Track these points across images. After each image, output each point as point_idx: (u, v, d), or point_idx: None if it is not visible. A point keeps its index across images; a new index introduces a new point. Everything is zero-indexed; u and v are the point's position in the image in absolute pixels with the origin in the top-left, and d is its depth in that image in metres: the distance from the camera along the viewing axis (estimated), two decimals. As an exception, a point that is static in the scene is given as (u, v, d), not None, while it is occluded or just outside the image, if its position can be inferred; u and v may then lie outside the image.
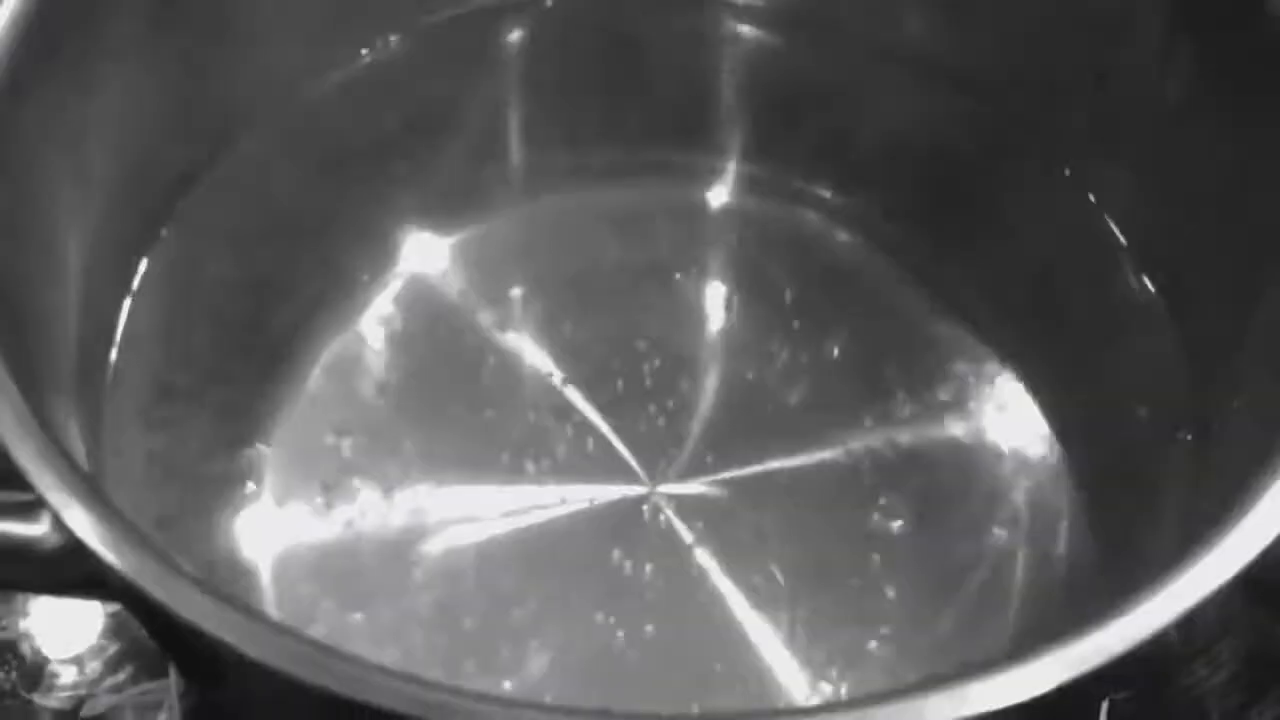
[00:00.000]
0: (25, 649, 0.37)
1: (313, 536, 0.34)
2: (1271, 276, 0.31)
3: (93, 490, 0.24)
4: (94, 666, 0.37)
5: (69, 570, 0.25)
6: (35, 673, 0.37)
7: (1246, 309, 0.32)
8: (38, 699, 0.36)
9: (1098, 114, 0.37)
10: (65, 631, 0.37)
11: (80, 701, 0.36)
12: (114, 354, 0.34)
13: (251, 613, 0.23)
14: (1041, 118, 0.38)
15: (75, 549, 0.23)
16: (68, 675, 0.37)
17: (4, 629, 0.37)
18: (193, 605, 0.22)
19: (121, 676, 0.37)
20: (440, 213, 0.38)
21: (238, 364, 0.35)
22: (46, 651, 0.37)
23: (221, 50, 0.36)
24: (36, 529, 0.25)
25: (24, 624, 0.37)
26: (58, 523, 0.24)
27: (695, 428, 0.36)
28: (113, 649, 0.37)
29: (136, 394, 0.34)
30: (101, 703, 0.36)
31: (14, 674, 0.37)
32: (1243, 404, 0.31)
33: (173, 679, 0.36)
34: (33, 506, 0.25)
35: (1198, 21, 0.34)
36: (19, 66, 0.30)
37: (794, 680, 0.32)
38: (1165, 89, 0.35)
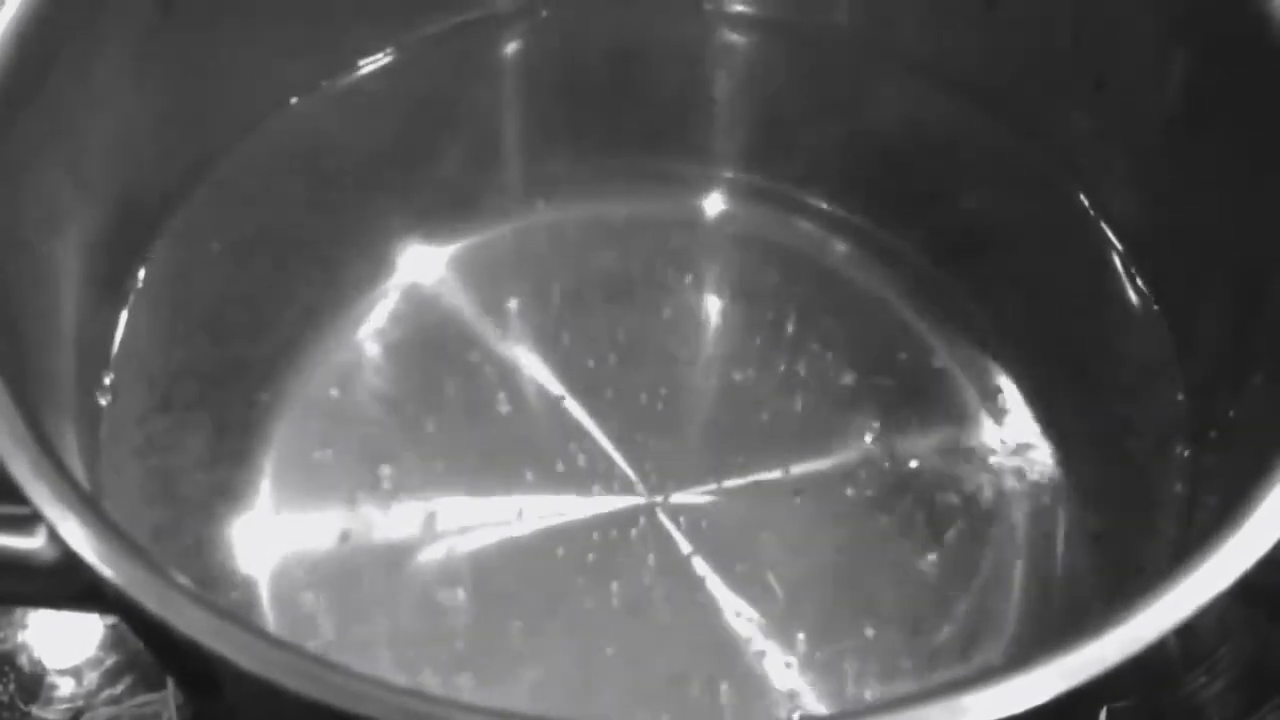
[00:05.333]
0: (23, 661, 0.37)
1: (310, 548, 0.34)
2: (1269, 284, 0.31)
3: (88, 503, 0.24)
4: (92, 678, 0.37)
5: (65, 583, 0.26)
6: (33, 685, 0.37)
7: (1243, 317, 0.32)
8: (36, 711, 0.36)
9: (1095, 119, 0.37)
10: (64, 643, 0.37)
11: (78, 713, 0.36)
12: (110, 366, 0.34)
13: (248, 626, 0.22)
14: (1039, 123, 0.38)
15: (71, 562, 0.23)
16: (66, 687, 0.37)
17: (2, 641, 0.37)
18: (189, 618, 0.22)
19: (119, 688, 0.37)
20: (437, 223, 0.38)
21: (235, 376, 0.35)
22: (45, 663, 0.37)
23: (218, 60, 0.36)
24: (33, 542, 0.25)
25: (22, 636, 0.37)
26: (53, 536, 0.24)
27: (693, 437, 0.36)
28: (111, 661, 0.37)
29: (133, 406, 0.34)
30: (100, 715, 0.36)
31: (12, 686, 0.37)
32: (1239, 413, 0.31)
33: (170, 691, 0.36)
34: (29, 520, 0.25)
35: (1194, 27, 0.34)
36: (18, 74, 0.30)
37: (792, 689, 0.32)
38: (1163, 95, 0.35)
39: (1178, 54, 0.35)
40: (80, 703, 0.36)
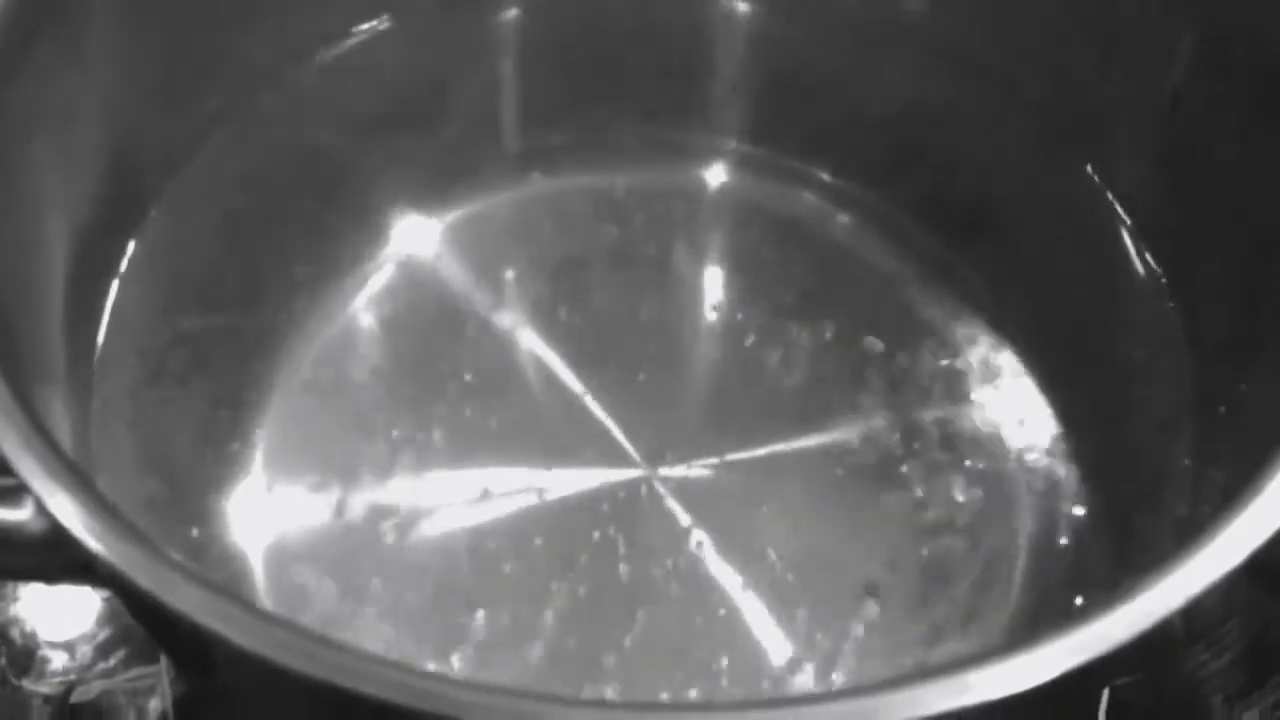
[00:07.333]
0: (15, 634, 0.37)
1: (305, 521, 0.33)
2: (1277, 258, 0.31)
3: (77, 476, 0.24)
4: (85, 652, 0.37)
5: (55, 557, 0.25)
6: (25, 658, 0.37)
7: (1251, 292, 0.32)
8: (28, 685, 0.36)
9: (1103, 94, 0.37)
10: (56, 616, 0.37)
11: (71, 687, 0.36)
12: (102, 337, 0.33)
13: (241, 601, 0.22)
14: (1044, 97, 0.38)
15: (60, 535, 0.23)
16: (58, 660, 0.37)
17: (-7, 614, 0.37)
18: (181, 594, 0.22)
19: (113, 662, 0.36)
20: (433, 194, 0.38)
21: (228, 347, 0.35)
22: (37, 636, 0.37)
23: (211, 29, 0.36)
24: (20, 514, 0.25)
25: (14, 609, 0.37)
26: (42, 509, 0.23)
27: (692, 410, 0.35)
28: (104, 634, 0.37)
29: (125, 378, 0.33)
30: (93, 688, 0.36)
31: (4, 659, 0.36)
32: (1247, 388, 0.31)
33: (164, 665, 0.36)
34: (17, 492, 0.25)
35: (1196, 12, 0.33)
36: (6, 45, 0.29)
37: (792, 663, 0.32)
38: (1169, 69, 0.35)
39: (1184, 28, 0.34)
40: (73, 676, 0.36)
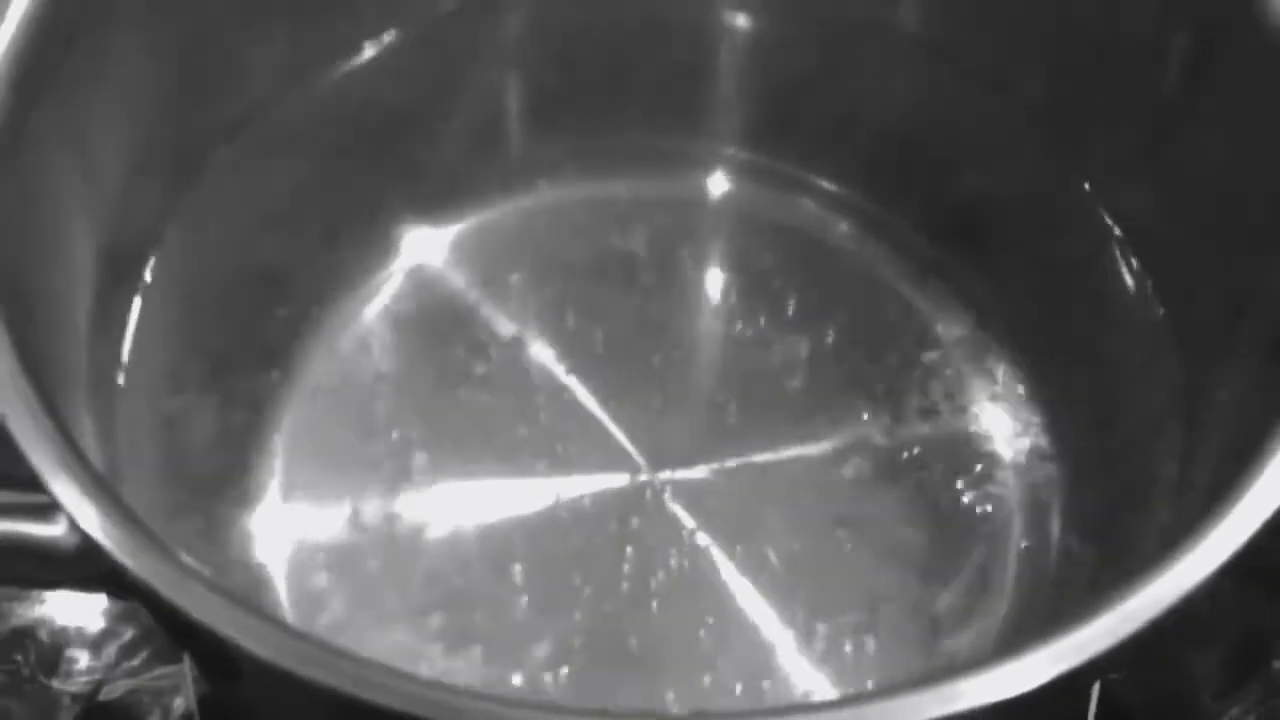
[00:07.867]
0: (42, 634, 0.38)
1: (321, 527, 0.34)
2: (1264, 267, 0.31)
3: (106, 492, 0.24)
4: (110, 652, 0.37)
5: (87, 570, 0.26)
6: (52, 658, 0.37)
7: (1239, 299, 0.32)
8: (55, 684, 0.37)
9: (1099, 94, 0.37)
10: (82, 617, 0.38)
11: (98, 686, 0.37)
12: (126, 350, 0.34)
13: (261, 613, 0.23)
14: (1041, 106, 0.38)
15: (91, 549, 0.24)
16: (84, 660, 0.37)
17: (21, 614, 0.38)
18: (204, 606, 0.23)
19: (137, 661, 0.37)
20: (440, 204, 0.39)
21: (246, 356, 0.36)
22: (63, 637, 0.38)
23: (224, 43, 0.36)
24: (54, 530, 0.26)
25: (41, 610, 0.38)
26: (73, 525, 0.24)
27: (694, 415, 0.36)
28: (128, 634, 0.37)
29: (147, 389, 0.34)
30: (118, 688, 0.37)
31: (31, 658, 0.37)
32: (1231, 395, 0.31)
33: (187, 664, 0.36)
34: (50, 508, 0.25)
35: (1192, 11, 0.34)
36: (30, 64, 0.29)
37: (793, 663, 0.33)
38: (1162, 80, 0.35)
39: (1176, 37, 0.34)
40: (99, 675, 0.37)
